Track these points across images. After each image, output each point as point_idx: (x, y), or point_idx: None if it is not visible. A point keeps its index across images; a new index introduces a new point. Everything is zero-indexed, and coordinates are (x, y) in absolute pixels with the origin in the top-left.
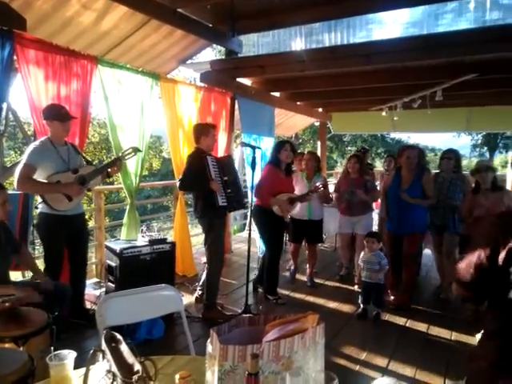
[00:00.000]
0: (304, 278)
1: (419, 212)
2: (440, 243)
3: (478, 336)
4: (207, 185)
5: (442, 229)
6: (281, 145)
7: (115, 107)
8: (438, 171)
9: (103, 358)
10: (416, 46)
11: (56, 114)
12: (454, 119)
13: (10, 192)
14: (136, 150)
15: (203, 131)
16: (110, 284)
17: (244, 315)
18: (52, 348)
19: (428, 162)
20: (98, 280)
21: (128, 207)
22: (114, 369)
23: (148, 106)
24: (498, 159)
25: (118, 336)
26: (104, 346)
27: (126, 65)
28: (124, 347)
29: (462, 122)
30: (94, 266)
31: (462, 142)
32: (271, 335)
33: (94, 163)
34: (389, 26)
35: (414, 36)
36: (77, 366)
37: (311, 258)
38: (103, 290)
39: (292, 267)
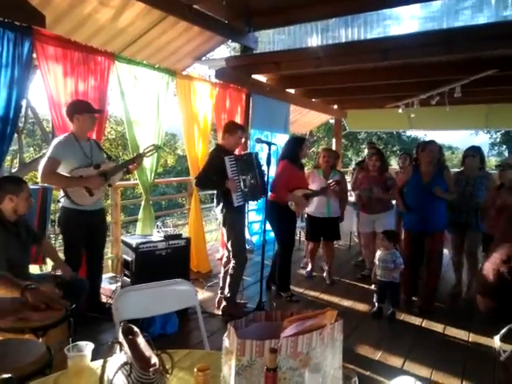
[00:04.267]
0: (319, 276)
1: (442, 209)
2: (461, 242)
3: (496, 338)
4: (223, 184)
5: (464, 227)
6: (301, 141)
7: (131, 103)
8: (460, 170)
9: (120, 350)
10: (435, 41)
11: (86, 106)
12: (473, 116)
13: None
14: (157, 148)
15: (229, 129)
16: (125, 278)
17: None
18: (70, 339)
19: (445, 160)
20: (113, 274)
21: (143, 203)
22: (131, 361)
23: (164, 103)
24: None
25: (136, 329)
26: (121, 338)
27: (142, 61)
28: (141, 340)
29: (481, 119)
30: (109, 261)
31: (480, 140)
32: (289, 331)
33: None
34: (406, 21)
35: (433, 31)
36: (93, 359)
37: (329, 255)
38: (119, 284)
39: (309, 267)
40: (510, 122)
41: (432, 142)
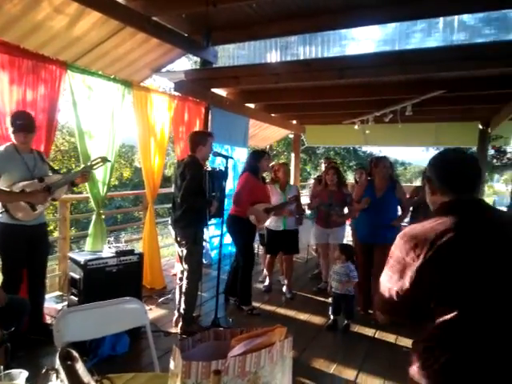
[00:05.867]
0: (277, 290)
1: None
2: None
3: None
4: (207, 204)
5: None
6: (261, 154)
7: (84, 114)
8: (420, 185)
9: (57, 377)
10: (388, 62)
11: (12, 123)
12: (423, 134)
13: None
14: (105, 160)
15: (201, 140)
16: (72, 297)
17: (211, 329)
18: (2, 367)
19: (398, 175)
20: (60, 293)
21: (94, 217)
22: None
23: (119, 114)
24: None
25: (75, 353)
26: (58, 364)
27: (97, 71)
28: (80, 365)
29: (431, 136)
30: (56, 279)
31: (430, 156)
32: (237, 350)
33: (62, 172)
34: (362, 43)
35: (386, 52)
36: None
37: (288, 269)
38: (65, 303)
39: (267, 282)
40: (457, 139)
41: (384, 158)
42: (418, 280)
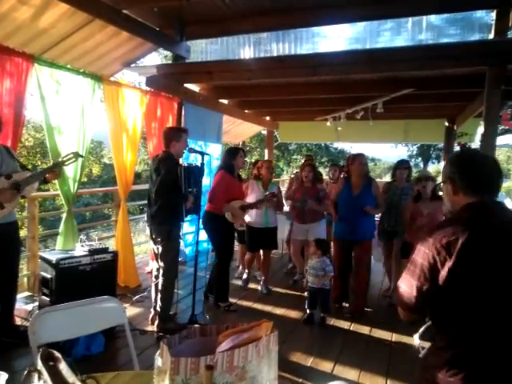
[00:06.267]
0: (253, 286)
1: (369, 219)
2: (390, 248)
3: (416, 336)
4: (183, 199)
5: (392, 234)
6: (236, 151)
7: (53, 108)
8: (390, 181)
9: (39, 378)
10: (359, 60)
11: None
12: (393, 130)
13: None
14: (77, 155)
15: (174, 136)
16: (44, 297)
17: (195, 325)
18: None
19: (368, 170)
20: (30, 294)
21: (65, 215)
22: None
23: (89, 109)
24: (430, 169)
25: (57, 354)
26: (40, 365)
27: (65, 65)
28: (63, 366)
29: (400, 133)
30: (25, 279)
31: (399, 152)
32: (225, 345)
33: (29, 168)
34: (333, 40)
35: (357, 50)
36: None
37: (265, 265)
38: (36, 304)
39: (245, 276)
40: (425, 136)
41: (361, 155)
42: (449, 280)
